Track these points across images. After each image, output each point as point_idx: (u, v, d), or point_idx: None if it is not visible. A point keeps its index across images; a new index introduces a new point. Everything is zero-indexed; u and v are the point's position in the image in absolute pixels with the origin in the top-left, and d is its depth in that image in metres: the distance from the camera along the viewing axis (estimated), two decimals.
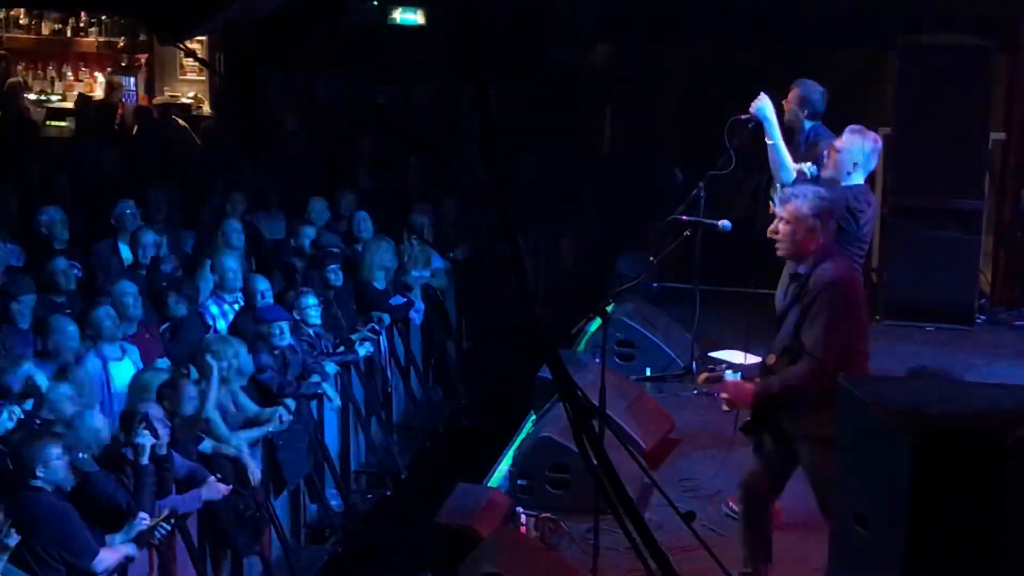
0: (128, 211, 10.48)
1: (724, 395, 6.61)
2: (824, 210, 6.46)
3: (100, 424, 7.40)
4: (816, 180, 7.94)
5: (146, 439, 7.27)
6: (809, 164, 8.13)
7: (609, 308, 7.47)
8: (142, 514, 7.14)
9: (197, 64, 16.19)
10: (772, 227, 6.53)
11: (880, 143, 8.13)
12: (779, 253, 6.54)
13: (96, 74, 16.47)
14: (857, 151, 7.96)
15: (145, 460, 7.29)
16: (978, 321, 11.89)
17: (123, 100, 15.45)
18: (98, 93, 15.98)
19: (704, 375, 6.70)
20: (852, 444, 4.21)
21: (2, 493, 6.73)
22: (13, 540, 6.26)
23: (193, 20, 3.08)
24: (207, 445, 8.22)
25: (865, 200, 7.99)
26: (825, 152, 8.37)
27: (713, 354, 9.84)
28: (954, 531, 3.72)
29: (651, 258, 8.84)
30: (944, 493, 3.71)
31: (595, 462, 2.70)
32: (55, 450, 6.76)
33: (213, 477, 7.81)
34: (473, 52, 2.61)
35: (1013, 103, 12.29)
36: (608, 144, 15.66)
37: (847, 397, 4.23)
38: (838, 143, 8.05)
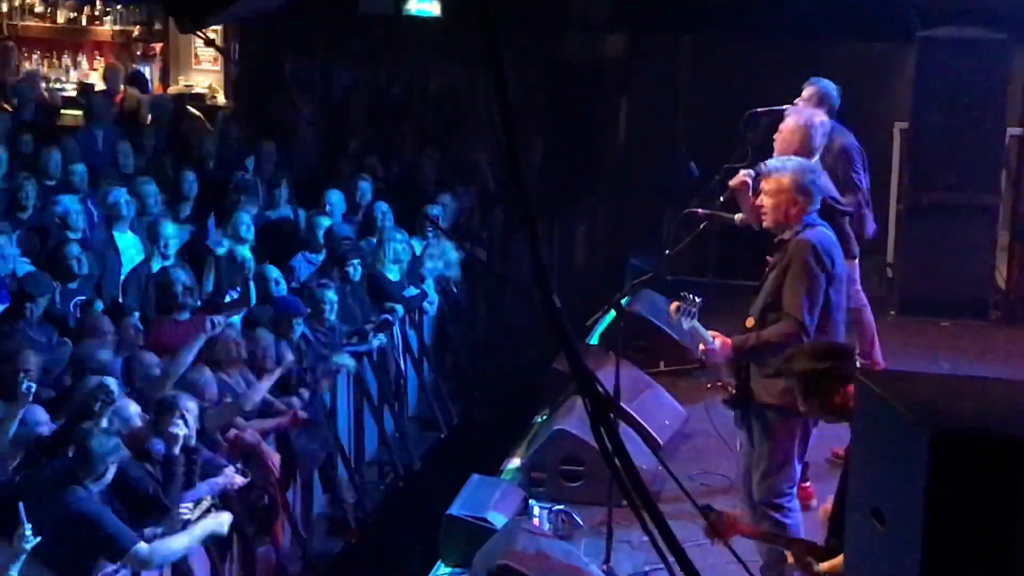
0: (123, 200, 10.48)
1: (702, 347, 6.64)
2: (807, 182, 6.53)
3: (133, 411, 7.41)
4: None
5: (179, 429, 7.30)
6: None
7: (623, 301, 7.45)
8: (183, 507, 7.16)
9: (212, 54, 16.17)
10: (758, 200, 6.62)
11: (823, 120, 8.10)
12: (764, 224, 6.61)
13: (117, 64, 16.45)
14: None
15: (177, 450, 7.32)
16: (994, 316, 11.87)
17: (125, 86, 15.32)
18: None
19: (675, 304, 6.72)
20: (869, 439, 4.19)
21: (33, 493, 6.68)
22: (30, 543, 6.19)
23: (213, 9, 3.06)
24: (230, 433, 8.25)
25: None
26: (848, 149, 8.41)
27: None
28: (972, 528, 3.70)
29: (666, 251, 8.82)
30: (963, 490, 3.69)
31: (613, 455, 2.69)
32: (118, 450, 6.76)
33: (231, 467, 7.81)
34: (492, 43, 2.60)
35: None
36: (623, 136, 15.63)
37: (864, 392, 4.21)
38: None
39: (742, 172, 7.52)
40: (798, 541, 5.81)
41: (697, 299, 6.71)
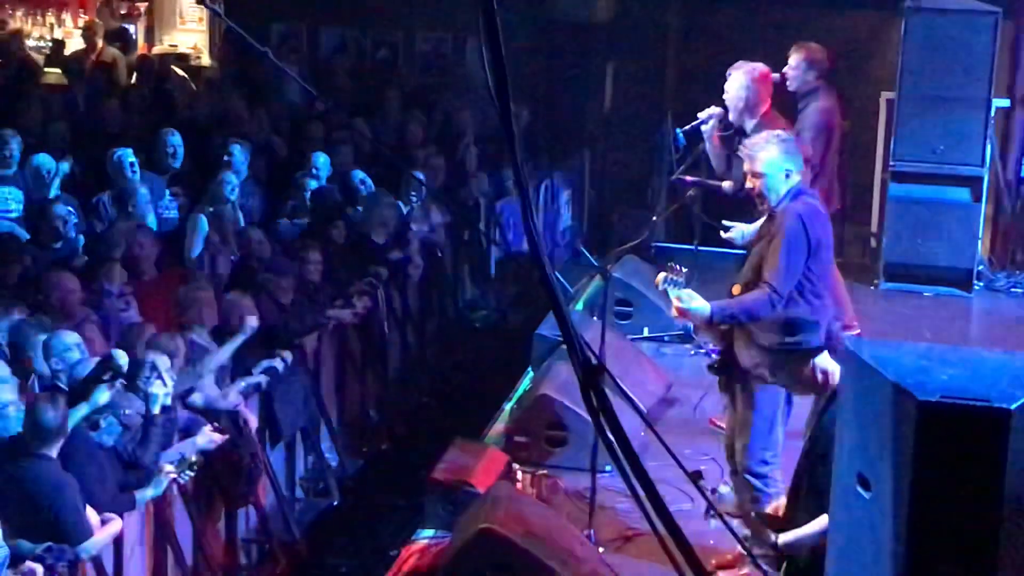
0: (127, 160, 10.43)
1: (677, 305, 6.57)
2: (790, 151, 6.52)
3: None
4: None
5: (157, 388, 7.27)
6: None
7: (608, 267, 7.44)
8: (167, 467, 7.16)
9: (197, 13, 16.06)
10: (748, 184, 6.59)
11: None
12: (760, 208, 6.58)
13: (97, 21, 16.34)
14: None
15: (156, 409, 7.29)
16: (976, 287, 11.91)
17: (100, 43, 15.15)
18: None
19: (662, 274, 6.66)
20: (855, 406, 4.21)
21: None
22: None
23: None
24: (198, 399, 8.21)
25: None
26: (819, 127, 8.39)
27: None
28: (957, 494, 3.73)
29: (652, 218, 8.83)
30: (949, 457, 3.72)
31: (603, 420, 2.69)
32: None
33: (208, 426, 7.81)
34: (488, 9, 2.59)
35: (1017, 70, 12.25)
36: (609, 101, 15.58)
37: (851, 359, 4.22)
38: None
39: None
40: (762, 515, 5.80)
41: (683, 268, 6.68)
